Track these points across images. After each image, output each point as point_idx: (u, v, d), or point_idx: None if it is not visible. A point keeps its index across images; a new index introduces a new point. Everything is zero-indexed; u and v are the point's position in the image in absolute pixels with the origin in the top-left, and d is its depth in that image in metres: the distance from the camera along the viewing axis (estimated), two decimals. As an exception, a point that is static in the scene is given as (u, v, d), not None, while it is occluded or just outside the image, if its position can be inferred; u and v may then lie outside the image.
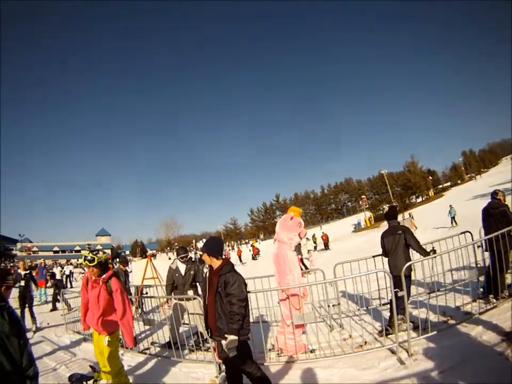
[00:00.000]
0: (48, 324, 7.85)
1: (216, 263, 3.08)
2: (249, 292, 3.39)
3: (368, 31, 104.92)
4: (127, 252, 70.71)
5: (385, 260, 5.42)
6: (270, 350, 4.40)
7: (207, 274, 3.23)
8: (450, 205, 19.98)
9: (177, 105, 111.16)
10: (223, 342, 2.84)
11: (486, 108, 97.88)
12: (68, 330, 6.80)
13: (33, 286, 8.30)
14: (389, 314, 4.49)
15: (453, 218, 19.04)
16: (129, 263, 6.78)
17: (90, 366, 4.31)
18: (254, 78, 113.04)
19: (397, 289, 3.80)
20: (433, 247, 4.50)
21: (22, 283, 7.54)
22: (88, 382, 4.00)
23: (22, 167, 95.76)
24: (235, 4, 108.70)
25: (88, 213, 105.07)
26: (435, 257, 4.25)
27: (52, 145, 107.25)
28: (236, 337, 2.77)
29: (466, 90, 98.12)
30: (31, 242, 62.63)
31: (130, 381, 3.80)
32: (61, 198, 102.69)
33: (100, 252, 3.63)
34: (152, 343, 5.45)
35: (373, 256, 5.57)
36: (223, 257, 3.17)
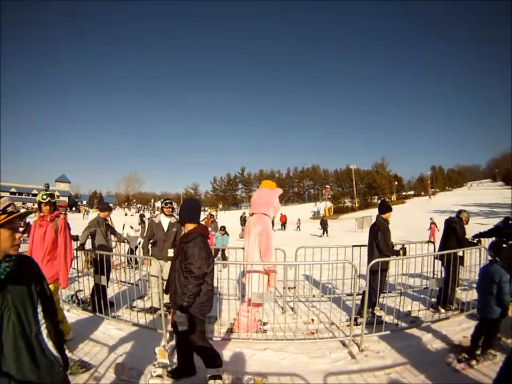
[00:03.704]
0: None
1: (187, 228, 2.77)
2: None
3: (363, 36, 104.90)
4: (84, 202, 67.72)
5: (347, 250, 5.65)
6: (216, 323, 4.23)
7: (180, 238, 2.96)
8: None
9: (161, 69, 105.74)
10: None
11: (470, 130, 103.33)
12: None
13: None
14: (344, 305, 4.50)
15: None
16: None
17: None
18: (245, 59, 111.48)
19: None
20: (403, 245, 4.54)
21: None
22: None
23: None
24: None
25: (50, 158, 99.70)
26: (402, 258, 4.27)
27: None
28: (184, 315, 2.58)
29: (456, 107, 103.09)
30: (-10, 181, 56.52)
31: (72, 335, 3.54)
32: (25, 140, 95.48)
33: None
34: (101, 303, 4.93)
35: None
36: (198, 222, 2.84)
